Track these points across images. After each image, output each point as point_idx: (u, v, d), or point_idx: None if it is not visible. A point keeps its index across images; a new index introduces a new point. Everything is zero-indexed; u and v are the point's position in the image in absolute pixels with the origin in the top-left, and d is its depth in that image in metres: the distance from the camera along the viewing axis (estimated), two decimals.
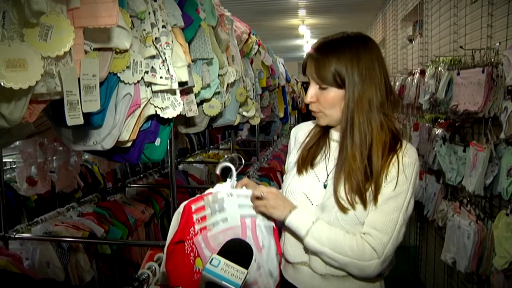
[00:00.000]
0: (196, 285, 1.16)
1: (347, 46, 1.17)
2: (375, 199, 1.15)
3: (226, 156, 1.37)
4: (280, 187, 1.50)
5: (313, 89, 1.21)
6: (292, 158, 1.35)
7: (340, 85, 1.16)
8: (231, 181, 1.23)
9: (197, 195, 1.23)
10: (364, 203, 1.15)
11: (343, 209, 1.16)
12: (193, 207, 1.19)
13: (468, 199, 2.66)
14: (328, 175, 1.24)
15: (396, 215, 1.14)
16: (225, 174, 1.25)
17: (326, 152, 1.27)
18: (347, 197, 1.15)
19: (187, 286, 1.17)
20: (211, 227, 1.18)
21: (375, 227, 1.14)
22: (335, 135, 1.27)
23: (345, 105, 1.17)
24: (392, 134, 1.18)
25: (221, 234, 1.17)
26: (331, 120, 1.23)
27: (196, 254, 1.18)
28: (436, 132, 3.09)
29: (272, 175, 3.48)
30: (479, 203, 2.62)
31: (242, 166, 1.28)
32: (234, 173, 1.24)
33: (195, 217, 1.19)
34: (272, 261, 1.21)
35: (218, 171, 1.26)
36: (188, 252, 1.17)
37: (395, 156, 1.16)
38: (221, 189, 1.21)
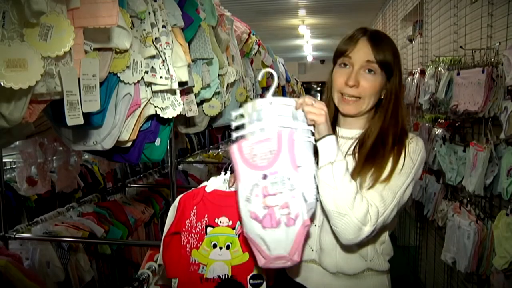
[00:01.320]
0: (193, 276, 1.16)
1: (391, 41, 1.25)
2: (380, 177, 1.16)
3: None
4: None
5: (357, 73, 1.19)
6: None
7: (389, 74, 1.21)
8: (271, 89, 1.12)
9: (192, 189, 1.22)
10: (372, 186, 1.15)
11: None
12: (233, 114, 1.14)
13: (468, 199, 2.66)
14: None
15: (394, 191, 1.15)
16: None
17: None
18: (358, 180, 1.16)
19: (183, 277, 1.18)
20: (248, 136, 1.10)
21: (374, 196, 1.13)
22: (344, 132, 1.28)
23: (386, 96, 1.22)
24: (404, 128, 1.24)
25: (256, 145, 1.07)
26: (364, 108, 1.23)
27: (192, 246, 1.16)
28: (436, 132, 3.09)
29: None
30: (479, 203, 2.62)
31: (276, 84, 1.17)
32: (276, 80, 1.16)
33: (233, 124, 1.13)
34: (309, 183, 1.07)
35: (260, 77, 1.24)
36: (184, 243, 1.17)
37: (403, 143, 1.20)
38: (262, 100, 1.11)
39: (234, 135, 1.12)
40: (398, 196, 1.15)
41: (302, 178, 1.05)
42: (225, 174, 1.20)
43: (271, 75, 1.18)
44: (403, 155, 1.17)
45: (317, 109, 1.10)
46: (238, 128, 1.14)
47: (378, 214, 1.11)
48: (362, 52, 1.19)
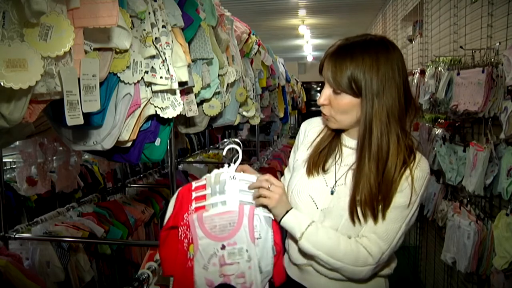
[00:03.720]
0: (190, 272, 1.16)
1: (367, 52, 1.11)
2: (383, 208, 1.13)
3: (231, 140, 1.35)
4: None
5: (327, 91, 1.17)
6: (300, 155, 1.31)
7: (356, 93, 1.11)
8: (235, 165, 1.18)
9: (190, 182, 1.22)
10: (375, 217, 1.13)
11: (354, 221, 1.15)
12: (194, 184, 1.18)
13: (468, 199, 2.66)
14: (336, 181, 1.21)
15: (399, 225, 1.14)
16: (230, 158, 1.22)
17: (337, 157, 1.24)
18: (361, 210, 1.13)
19: (180, 273, 1.17)
20: (209, 207, 1.16)
21: (376, 232, 1.13)
22: (348, 141, 1.24)
23: (363, 115, 1.12)
24: (407, 146, 1.15)
25: (217, 216, 1.14)
26: (341, 125, 1.20)
27: (190, 241, 1.16)
28: (436, 132, 3.09)
29: (272, 175, 3.48)
30: (479, 203, 2.62)
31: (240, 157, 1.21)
32: (240, 156, 1.19)
33: (194, 194, 1.17)
34: (266, 255, 1.16)
35: (224, 152, 1.24)
36: (182, 238, 1.17)
37: (408, 168, 1.13)
38: (224, 171, 1.18)
39: (194, 205, 1.17)
40: (404, 227, 1.15)
41: (260, 249, 1.15)
42: (228, 166, 1.19)
43: (237, 148, 1.22)
44: (407, 190, 1.12)
45: (271, 193, 1.14)
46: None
47: (382, 252, 1.13)
48: (325, 72, 1.16)
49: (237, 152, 1.20)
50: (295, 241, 1.20)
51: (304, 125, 1.37)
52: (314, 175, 1.24)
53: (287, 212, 1.16)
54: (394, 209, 1.13)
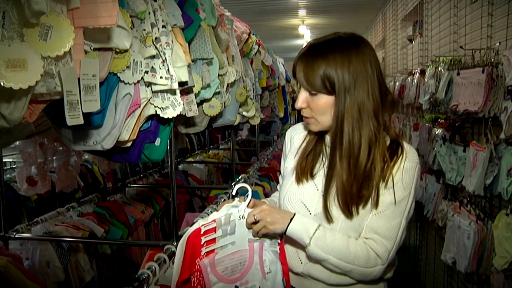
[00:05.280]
0: None
1: (337, 49, 1.11)
2: (376, 204, 1.12)
3: (241, 177, 1.35)
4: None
5: (303, 94, 1.17)
6: (289, 163, 1.31)
7: (330, 91, 1.11)
8: (245, 202, 1.19)
9: (200, 224, 1.19)
10: (361, 211, 1.13)
11: (329, 220, 1.15)
12: (203, 229, 1.17)
13: (468, 199, 2.66)
14: None
15: (398, 220, 1.13)
16: (237, 194, 1.24)
17: (323, 160, 1.24)
18: (341, 208, 1.13)
19: None
20: (219, 250, 1.17)
21: (378, 232, 1.13)
22: (330, 140, 1.24)
23: (335, 112, 1.12)
24: (391, 139, 1.16)
25: (227, 257, 1.16)
26: (323, 127, 1.19)
27: (203, 286, 1.16)
28: (436, 132, 3.09)
29: (272, 175, 3.47)
30: (479, 203, 2.62)
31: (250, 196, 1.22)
32: (250, 194, 1.20)
33: (203, 239, 1.16)
34: (277, 285, 1.18)
35: (234, 192, 1.23)
36: (195, 285, 1.16)
37: (397, 161, 1.13)
38: (234, 211, 1.18)
39: (204, 250, 1.17)
40: (403, 221, 1.14)
41: (271, 283, 1.18)
42: (245, 201, 1.20)
43: (244, 191, 1.21)
44: (400, 184, 1.12)
45: (260, 222, 1.14)
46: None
47: (388, 251, 1.13)
48: (298, 75, 1.16)
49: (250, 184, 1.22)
50: (294, 249, 1.22)
51: (289, 132, 1.38)
52: (304, 182, 1.23)
53: (290, 221, 1.14)
54: (390, 206, 1.12)
